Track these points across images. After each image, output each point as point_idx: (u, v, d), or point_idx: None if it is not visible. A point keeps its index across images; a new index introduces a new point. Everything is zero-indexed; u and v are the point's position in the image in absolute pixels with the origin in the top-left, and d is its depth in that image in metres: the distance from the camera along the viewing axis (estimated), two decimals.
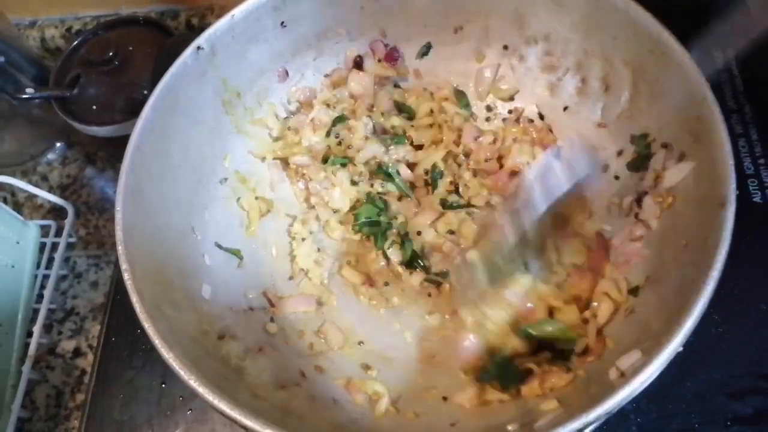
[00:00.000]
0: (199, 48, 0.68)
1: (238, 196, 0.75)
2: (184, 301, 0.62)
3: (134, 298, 0.54)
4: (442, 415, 0.62)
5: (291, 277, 0.76)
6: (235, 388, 0.57)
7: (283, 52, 0.77)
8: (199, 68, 0.69)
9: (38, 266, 0.90)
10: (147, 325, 0.53)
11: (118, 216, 0.59)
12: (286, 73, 0.79)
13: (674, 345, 0.47)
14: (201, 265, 0.68)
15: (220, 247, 0.71)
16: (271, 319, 0.70)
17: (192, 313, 0.62)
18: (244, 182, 0.76)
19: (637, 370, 0.47)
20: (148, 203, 0.63)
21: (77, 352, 0.86)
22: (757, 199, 0.79)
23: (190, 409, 0.73)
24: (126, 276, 0.55)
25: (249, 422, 0.48)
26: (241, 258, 0.73)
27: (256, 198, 0.77)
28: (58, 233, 0.93)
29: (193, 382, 0.51)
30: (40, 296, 0.88)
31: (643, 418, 0.68)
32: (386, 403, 0.63)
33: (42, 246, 0.92)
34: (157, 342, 0.52)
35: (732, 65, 0.88)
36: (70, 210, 0.93)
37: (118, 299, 0.83)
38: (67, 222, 0.92)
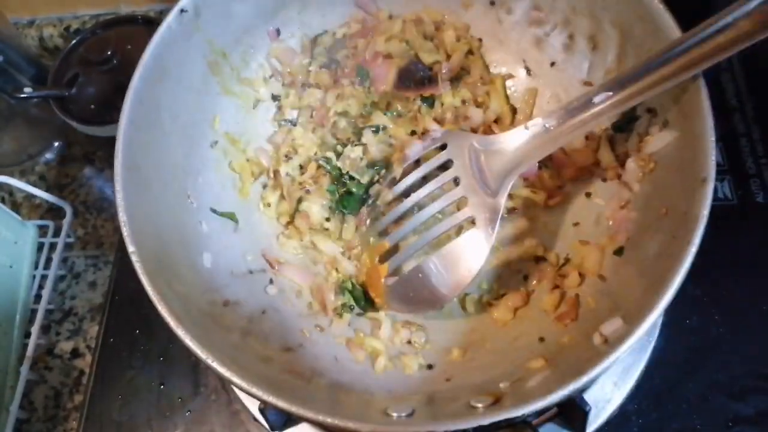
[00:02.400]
0: (182, 11, 0.67)
1: (229, 159, 0.75)
2: (188, 273, 0.63)
3: (145, 280, 0.55)
4: (437, 371, 0.65)
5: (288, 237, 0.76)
6: (245, 354, 0.59)
7: (267, 6, 0.76)
8: (184, 32, 0.68)
9: (36, 266, 0.90)
10: (160, 307, 0.54)
11: (119, 197, 0.58)
12: (277, 32, 0.78)
13: (653, 316, 0.50)
14: (199, 233, 0.68)
15: (215, 212, 0.72)
16: (271, 281, 0.72)
17: (197, 285, 0.63)
18: (234, 143, 0.76)
19: (620, 338, 0.50)
20: (144, 178, 0.63)
21: (75, 353, 0.86)
22: (759, 199, 0.78)
23: (189, 411, 0.74)
24: (134, 258, 0.56)
25: (273, 399, 0.50)
26: (236, 222, 0.73)
27: (247, 160, 0.77)
28: (56, 233, 0.93)
29: (211, 362, 0.52)
30: (38, 297, 0.88)
31: (645, 419, 0.69)
32: (385, 360, 0.66)
33: (40, 246, 0.92)
34: (173, 323, 0.53)
35: (734, 63, 0.87)
36: (68, 210, 0.92)
37: (116, 299, 0.83)
38: (65, 222, 0.92)
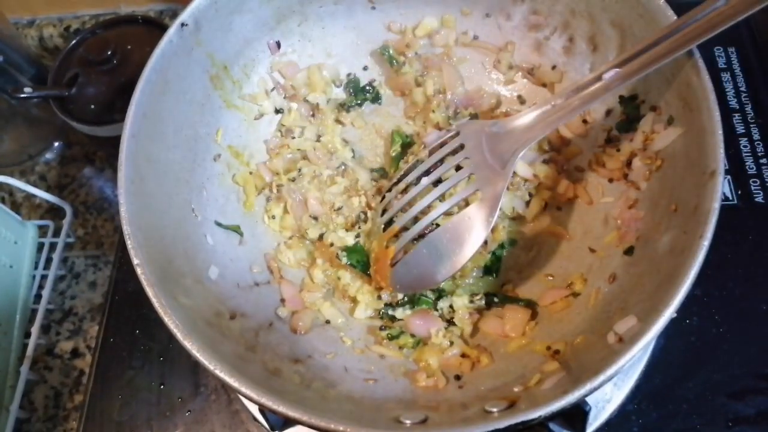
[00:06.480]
0: (183, 25, 0.67)
1: (233, 172, 0.75)
2: (194, 286, 0.63)
3: (150, 292, 0.54)
4: (451, 377, 0.64)
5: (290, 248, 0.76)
6: (253, 366, 0.59)
7: (267, 20, 0.76)
8: (185, 45, 0.68)
9: (36, 266, 0.90)
10: (166, 319, 0.53)
11: (123, 209, 0.58)
12: (278, 45, 0.78)
13: (669, 312, 0.49)
14: (205, 246, 0.68)
15: (220, 225, 0.71)
16: (281, 300, 0.71)
17: (203, 297, 0.63)
18: (238, 157, 0.76)
19: (635, 336, 0.50)
20: (148, 191, 0.63)
21: (75, 353, 0.86)
22: (759, 199, 0.79)
23: (189, 410, 0.73)
24: (139, 271, 0.55)
25: (282, 408, 0.49)
26: (241, 234, 0.73)
27: (251, 173, 0.77)
28: (57, 233, 0.92)
29: (219, 372, 0.51)
30: (38, 296, 0.88)
31: (645, 419, 0.69)
32: (396, 371, 0.65)
33: (40, 246, 0.92)
34: (180, 335, 0.52)
35: (733, 65, 0.88)
36: (69, 210, 0.92)
37: (116, 299, 0.83)
38: (65, 222, 0.92)
